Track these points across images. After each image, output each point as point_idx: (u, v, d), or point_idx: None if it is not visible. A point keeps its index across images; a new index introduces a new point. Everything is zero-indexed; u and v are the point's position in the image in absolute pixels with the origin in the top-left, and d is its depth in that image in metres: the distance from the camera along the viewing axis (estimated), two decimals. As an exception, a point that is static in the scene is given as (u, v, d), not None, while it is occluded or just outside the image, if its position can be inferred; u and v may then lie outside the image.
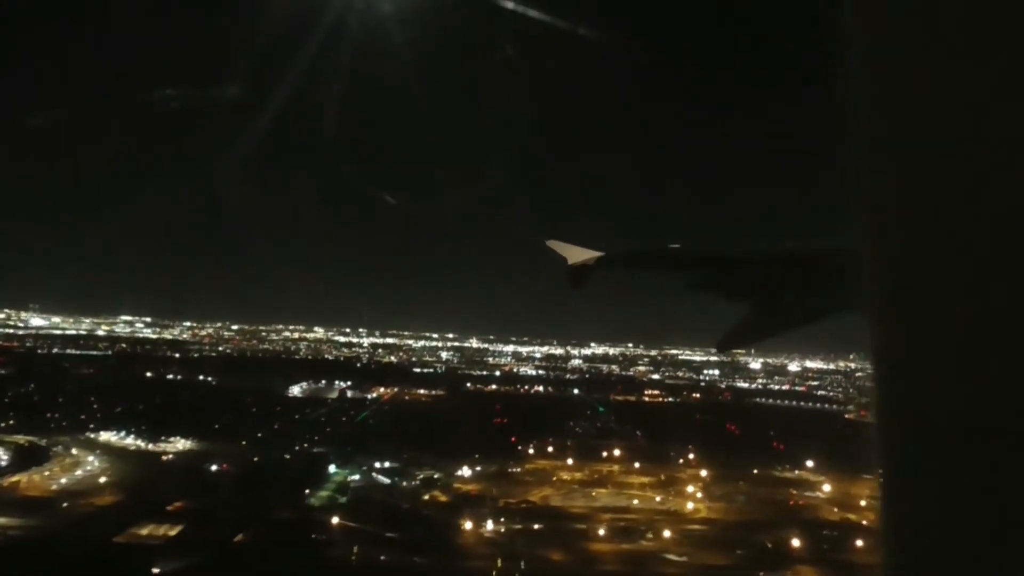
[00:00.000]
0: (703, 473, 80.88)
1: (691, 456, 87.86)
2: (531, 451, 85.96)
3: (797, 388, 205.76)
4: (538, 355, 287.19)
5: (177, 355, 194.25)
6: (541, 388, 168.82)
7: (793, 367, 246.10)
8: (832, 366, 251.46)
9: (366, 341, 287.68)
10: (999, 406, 1.82)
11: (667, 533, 55.11)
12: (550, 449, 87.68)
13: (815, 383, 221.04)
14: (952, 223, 1.90)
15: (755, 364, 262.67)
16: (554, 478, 73.25)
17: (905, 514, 2.07)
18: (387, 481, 65.73)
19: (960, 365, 1.88)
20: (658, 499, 66.94)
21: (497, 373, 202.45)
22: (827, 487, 77.18)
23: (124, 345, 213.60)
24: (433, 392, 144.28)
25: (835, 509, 68.45)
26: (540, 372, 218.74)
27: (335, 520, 52.03)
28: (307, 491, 58.50)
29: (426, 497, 61.38)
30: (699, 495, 69.98)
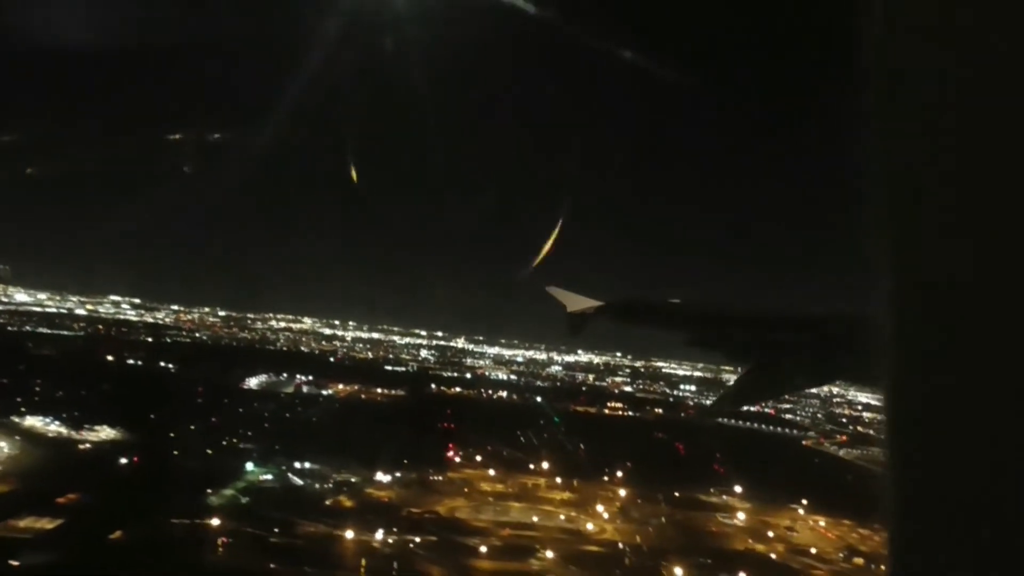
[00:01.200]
0: (628, 493, 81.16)
1: (624, 474, 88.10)
2: (464, 460, 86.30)
3: (765, 410, 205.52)
4: (520, 359, 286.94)
5: (148, 339, 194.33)
6: (505, 394, 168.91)
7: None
8: (812, 388, 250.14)
9: (350, 335, 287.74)
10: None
11: (558, 553, 55.40)
12: (484, 459, 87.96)
13: (786, 405, 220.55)
14: (983, 293, 1.85)
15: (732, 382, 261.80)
16: (474, 489, 73.55)
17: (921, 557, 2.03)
18: (299, 483, 66.07)
19: (984, 431, 1.86)
20: (567, 517, 67.20)
21: (468, 376, 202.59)
22: (748, 515, 77.39)
23: (99, 327, 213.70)
24: (393, 392, 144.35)
25: (744, 538, 68.69)
26: (512, 377, 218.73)
27: (220, 521, 52.37)
28: (210, 489, 58.83)
29: (328, 502, 61.70)
30: (612, 516, 70.25)
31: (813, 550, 67.28)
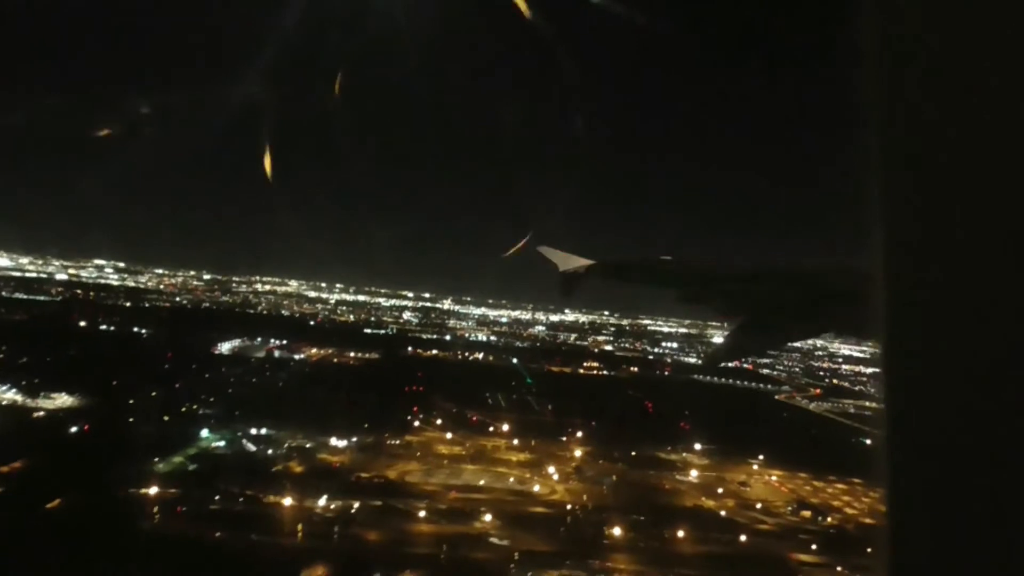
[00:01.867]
0: (587, 452, 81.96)
1: (587, 434, 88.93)
2: (426, 423, 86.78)
3: (744, 365, 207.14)
4: (504, 320, 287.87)
5: (127, 304, 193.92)
6: (481, 355, 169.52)
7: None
8: (799, 343, 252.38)
9: (335, 298, 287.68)
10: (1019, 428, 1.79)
11: (501, 516, 55.97)
12: (447, 421, 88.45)
13: (766, 360, 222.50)
14: (977, 237, 1.88)
15: (718, 338, 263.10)
16: (430, 452, 74.09)
17: (912, 539, 2.05)
18: (252, 449, 66.48)
19: (980, 386, 1.87)
20: (519, 478, 67.79)
21: (447, 338, 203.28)
22: (704, 473, 78.29)
23: (78, 291, 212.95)
24: (367, 355, 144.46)
25: (695, 494, 69.51)
26: (493, 338, 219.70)
27: (161, 489, 52.81)
28: (158, 457, 59.21)
29: (279, 467, 62.15)
30: (564, 476, 70.88)
31: (760, 504, 68.14)
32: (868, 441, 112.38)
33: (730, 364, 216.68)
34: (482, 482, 64.80)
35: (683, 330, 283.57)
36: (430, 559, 45.74)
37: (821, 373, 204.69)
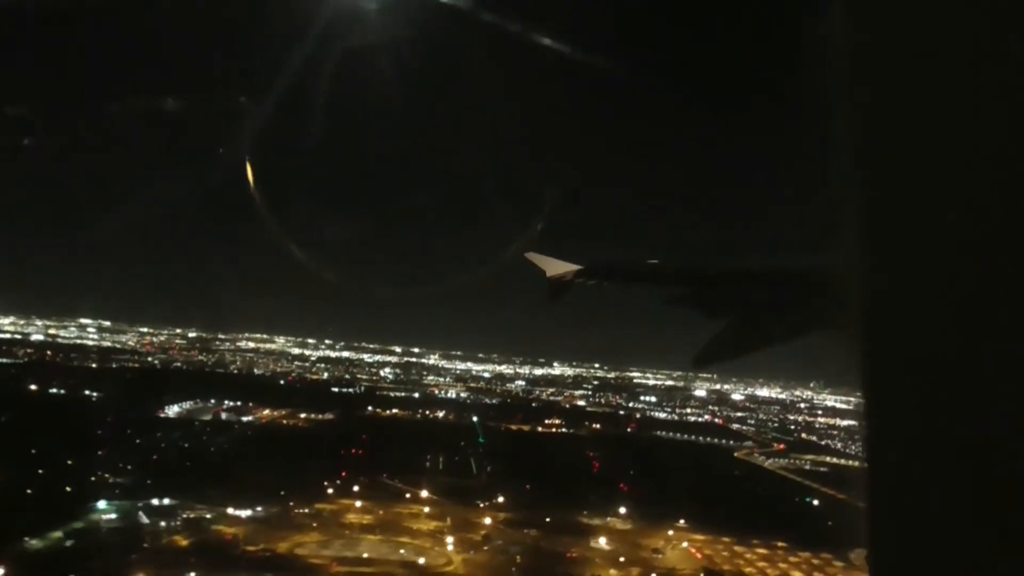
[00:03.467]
0: (506, 518, 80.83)
1: (516, 498, 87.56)
2: (349, 489, 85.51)
3: (716, 419, 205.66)
4: (486, 375, 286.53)
5: (92, 365, 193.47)
6: (443, 413, 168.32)
7: (737, 396, 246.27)
8: (783, 395, 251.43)
9: (318, 355, 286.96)
10: (995, 422, 1.79)
11: None
12: (373, 487, 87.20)
13: (743, 414, 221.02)
14: (948, 231, 1.88)
15: (700, 391, 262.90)
16: (336, 522, 73.00)
17: (896, 532, 2.05)
18: (144, 522, 65.47)
19: (955, 379, 1.87)
20: (419, 549, 66.65)
21: (417, 395, 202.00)
22: (621, 539, 77.00)
23: (48, 352, 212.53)
24: (321, 416, 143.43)
25: (601, 565, 68.20)
26: (464, 395, 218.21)
27: (16, 571, 51.88)
28: (36, 532, 58.31)
29: (163, 542, 61.24)
30: (469, 545, 69.73)
31: (662, 574, 66.84)
32: (814, 501, 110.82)
33: (701, 419, 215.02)
34: (375, 554, 63.69)
35: (669, 382, 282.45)
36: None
37: (792, 427, 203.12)
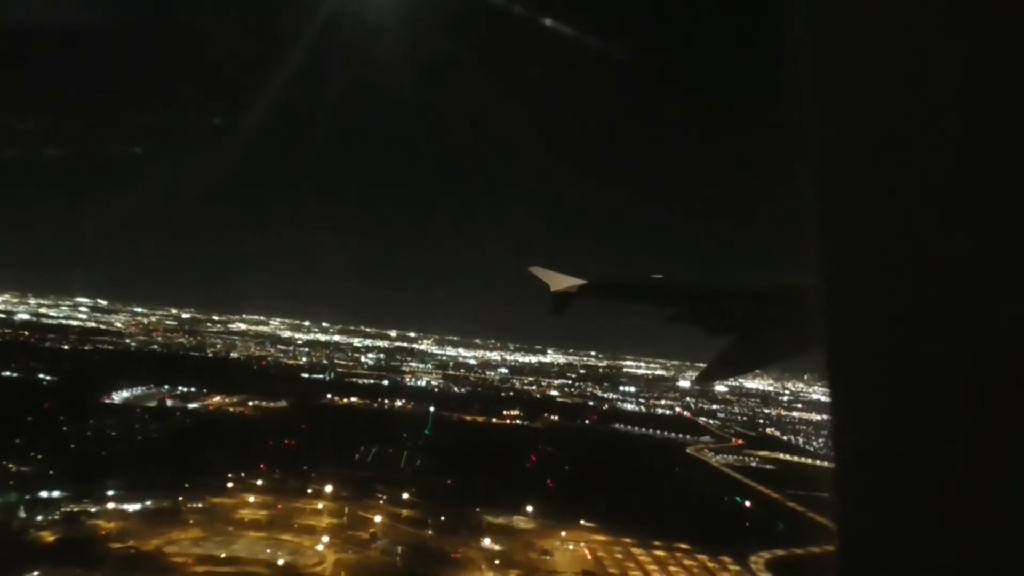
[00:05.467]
0: (403, 517, 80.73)
1: (424, 495, 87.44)
2: (254, 482, 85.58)
3: (685, 413, 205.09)
4: (472, 361, 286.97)
5: (65, 347, 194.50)
6: (403, 402, 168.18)
7: (721, 387, 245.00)
8: (771, 387, 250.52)
9: (307, 338, 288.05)
10: (963, 434, 1.84)
11: None
12: (281, 481, 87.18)
13: (718, 407, 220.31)
14: (912, 236, 1.92)
15: (683, 382, 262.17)
16: (224, 517, 73.03)
17: (863, 526, 2.09)
18: (21, 515, 65.82)
19: (922, 387, 1.91)
20: (296, 547, 66.58)
21: (386, 383, 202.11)
22: (516, 540, 76.75)
23: (24, 332, 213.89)
24: (274, 404, 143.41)
25: (480, 567, 68.00)
26: (434, 383, 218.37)
27: None
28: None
29: (29, 536, 61.55)
30: (351, 545, 69.64)
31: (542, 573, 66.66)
32: (745, 502, 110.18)
33: (674, 410, 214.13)
34: (245, 553, 63.69)
35: (659, 372, 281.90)
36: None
37: (763, 421, 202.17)
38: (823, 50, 2.03)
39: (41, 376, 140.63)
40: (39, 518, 65.77)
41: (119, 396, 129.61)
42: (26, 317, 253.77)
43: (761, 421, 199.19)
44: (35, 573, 53.24)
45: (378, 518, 78.04)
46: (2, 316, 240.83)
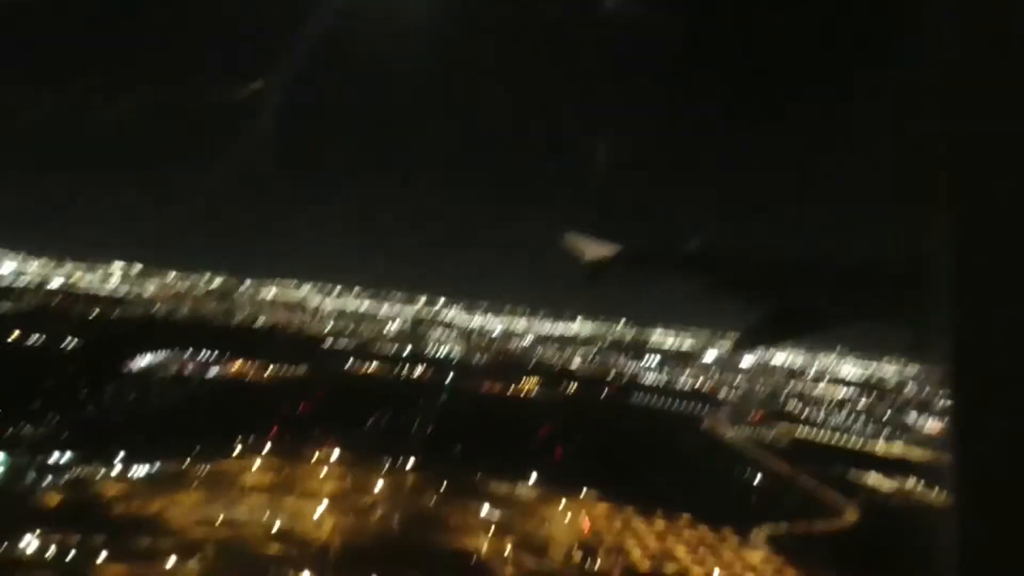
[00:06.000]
0: (409, 483, 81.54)
1: (433, 462, 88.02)
2: (265, 446, 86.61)
3: (708, 385, 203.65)
4: (496, 331, 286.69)
5: (93, 311, 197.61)
6: (421, 370, 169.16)
7: (748, 360, 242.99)
8: (797, 359, 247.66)
9: (337, 305, 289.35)
10: None
11: (224, 554, 55.99)
12: (293, 447, 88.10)
13: (741, 379, 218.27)
14: None
15: (710, 353, 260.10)
16: (230, 482, 74.14)
17: (981, 521, 2.03)
18: (27, 480, 67.34)
19: None
20: (297, 512, 67.37)
21: (407, 350, 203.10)
22: (516, 508, 77.22)
23: (55, 299, 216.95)
24: (291, 371, 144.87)
25: (476, 534, 68.50)
26: (455, 350, 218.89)
27: None
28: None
29: (34, 500, 63.18)
30: (352, 511, 70.41)
31: (536, 544, 66.98)
32: (755, 475, 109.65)
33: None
34: (245, 518, 64.79)
35: (688, 341, 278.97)
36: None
37: (785, 394, 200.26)
38: (948, 51, 2.03)
39: (65, 342, 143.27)
40: (45, 482, 67.36)
41: (140, 362, 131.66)
42: (60, 281, 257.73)
43: (784, 395, 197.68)
44: (36, 531, 54.42)
45: (381, 484, 78.91)
46: (36, 280, 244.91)
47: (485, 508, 73.85)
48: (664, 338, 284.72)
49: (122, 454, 75.02)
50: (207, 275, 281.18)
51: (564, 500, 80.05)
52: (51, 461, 71.76)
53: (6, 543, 53.13)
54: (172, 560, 53.67)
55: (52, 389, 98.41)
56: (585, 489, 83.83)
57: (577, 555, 65.13)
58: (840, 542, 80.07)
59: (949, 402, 2.02)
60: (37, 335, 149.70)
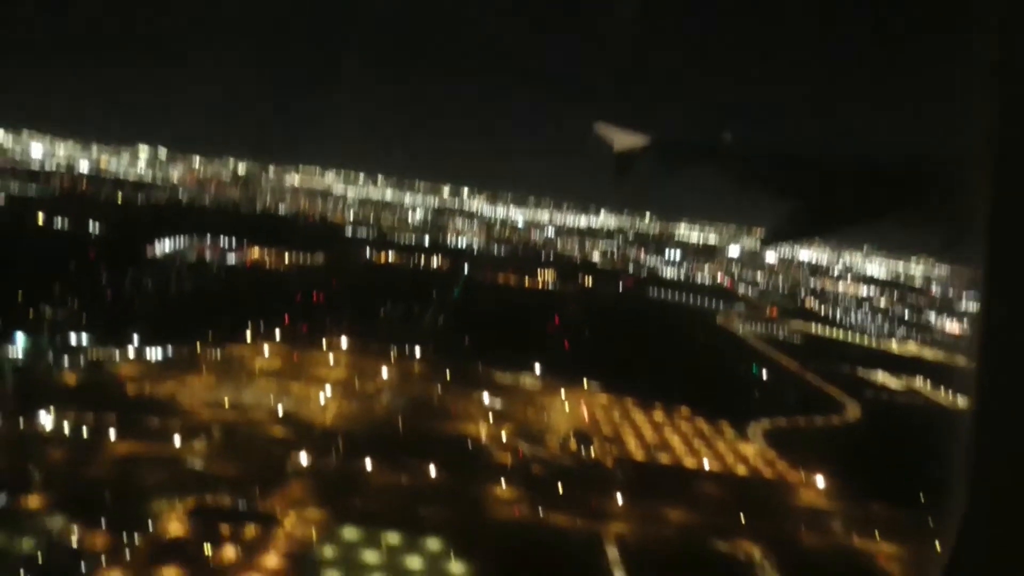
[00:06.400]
0: (415, 372, 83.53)
1: (442, 352, 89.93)
2: (277, 334, 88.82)
3: (727, 280, 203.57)
4: (520, 220, 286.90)
5: (118, 196, 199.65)
6: (438, 261, 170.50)
7: (770, 257, 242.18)
8: (822, 256, 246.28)
9: (354, 193, 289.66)
10: None
11: (228, 435, 58.24)
12: (304, 333, 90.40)
13: (761, 275, 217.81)
14: None
15: (734, 248, 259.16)
16: (240, 366, 76.42)
17: (1001, 425, 2.01)
18: (47, 360, 69.72)
19: None
20: (303, 397, 69.41)
21: (427, 241, 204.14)
22: (517, 396, 78.89)
23: (83, 184, 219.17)
24: (310, 259, 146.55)
25: (475, 420, 70.31)
26: (475, 242, 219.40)
27: None
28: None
29: (53, 378, 65.60)
30: (357, 397, 72.53)
31: (534, 431, 68.72)
32: (762, 371, 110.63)
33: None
34: (251, 401, 66.96)
35: (712, 235, 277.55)
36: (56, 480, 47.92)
37: (804, 291, 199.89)
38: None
39: (90, 227, 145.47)
40: (64, 362, 69.85)
41: (162, 248, 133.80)
42: (86, 164, 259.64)
43: (803, 292, 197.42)
44: (52, 408, 56.88)
45: (389, 373, 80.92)
46: (63, 166, 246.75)
47: (486, 396, 75.60)
48: (689, 232, 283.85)
49: (137, 337, 77.11)
50: (232, 160, 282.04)
51: (564, 390, 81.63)
52: (70, 343, 74.00)
53: (24, 419, 55.45)
54: (178, 439, 55.85)
55: (74, 273, 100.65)
56: (587, 380, 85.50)
57: (572, 443, 66.85)
58: (839, 438, 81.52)
59: (978, 304, 2.00)
60: (61, 218, 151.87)
